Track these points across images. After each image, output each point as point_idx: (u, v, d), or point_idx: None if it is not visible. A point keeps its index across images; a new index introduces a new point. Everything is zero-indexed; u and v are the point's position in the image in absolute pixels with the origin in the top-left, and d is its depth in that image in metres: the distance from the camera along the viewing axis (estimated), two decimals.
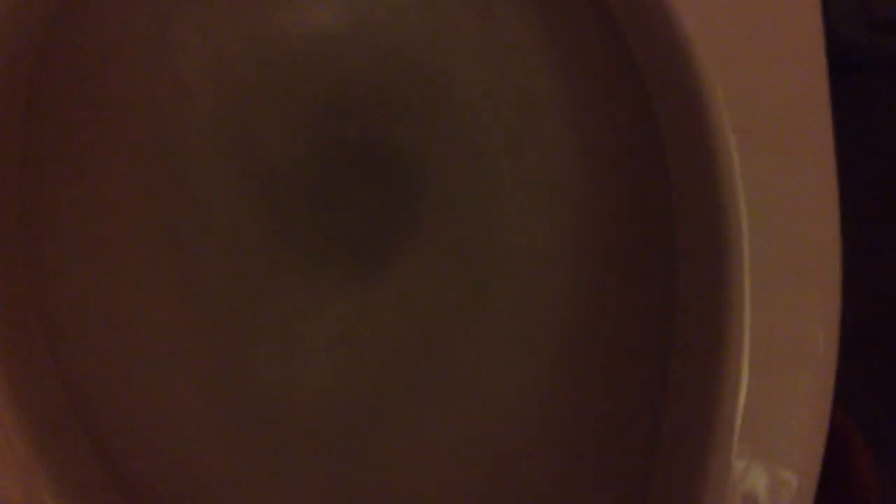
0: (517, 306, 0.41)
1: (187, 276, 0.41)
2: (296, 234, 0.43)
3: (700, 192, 0.31)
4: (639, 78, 0.35)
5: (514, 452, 0.40)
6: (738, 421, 0.30)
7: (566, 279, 0.40)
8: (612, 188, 0.39)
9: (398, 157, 0.43)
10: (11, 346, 0.33)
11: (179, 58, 0.40)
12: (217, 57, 0.41)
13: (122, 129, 0.39)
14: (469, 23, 0.41)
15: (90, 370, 0.37)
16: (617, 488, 0.36)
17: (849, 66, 0.61)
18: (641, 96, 0.35)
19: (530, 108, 0.41)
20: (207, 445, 0.40)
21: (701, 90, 0.31)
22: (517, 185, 0.41)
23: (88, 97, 0.38)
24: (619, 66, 0.37)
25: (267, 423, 0.41)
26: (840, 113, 0.33)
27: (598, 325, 0.39)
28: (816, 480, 0.30)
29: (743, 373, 0.30)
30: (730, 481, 0.30)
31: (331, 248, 0.43)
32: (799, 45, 0.31)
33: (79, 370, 0.36)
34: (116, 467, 0.35)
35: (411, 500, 0.40)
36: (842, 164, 0.31)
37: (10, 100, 0.34)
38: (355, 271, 0.43)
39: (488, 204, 0.42)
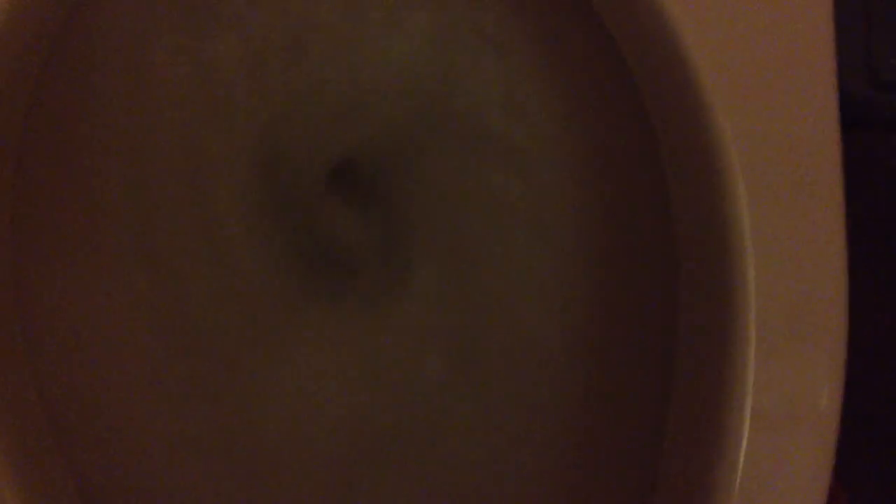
0: (514, 357, 0.40)
1: (176, 298, 0.40)
2: (288, 260, 0.42)
3: (707, 242, 0.31)
4: (648, 123, 0.34)
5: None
6: (738, 477, 0.29)
7: (564, 327, 0.39)
8: (614, 237, 0.39)
9: (395, 192, 0.43)
10: None
11: (174, 69, 0.40)
12: (214, 69, 0.40)
13: (120, 146, 0.39)
14: (472, 61, 0.41)
15: (70, 388, 0.36)
16: None
17: (852, 122, 0.61)
18: (650, 144, 0.35)
19: (534, 159, 0.40)
20: (187, 469, 0.39)
21: (712, 139, 0.30)
22: (517, 234, 0.41)
23: (87, 108, 0.37)
24: (627, 109, 0.36)
25: (250, 446, 0.40)
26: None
27: (596, 378, 0.38)
28: None
29: (744, 428, 0.29)
30: None
31: (321, 278, 0.43)
32: (812, 94, 0.31)
33: (58, 388, 0.35)
34: (90, 488, 0.34)
35: None
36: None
37: (11, 104, 0.33)
38: (343, 307, 0.42)
39: (485, 255, 0.41)
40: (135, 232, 0.39)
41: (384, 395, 0.41)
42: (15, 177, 0.34)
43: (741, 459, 0.29)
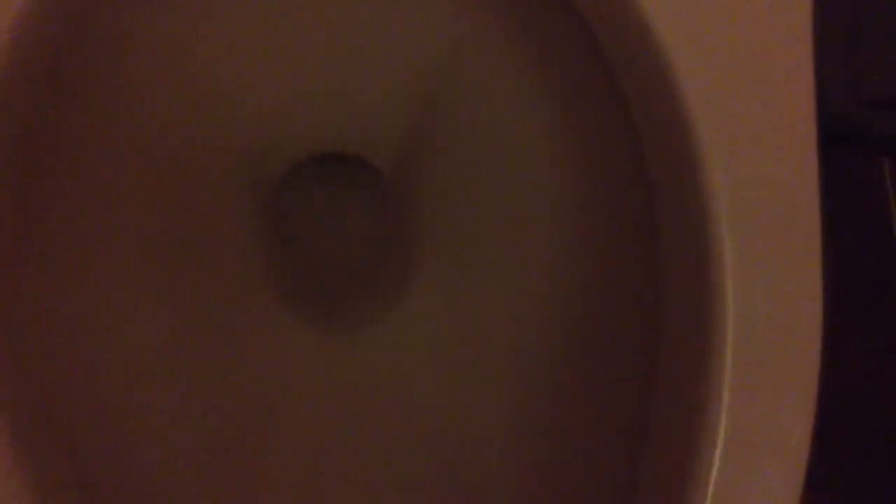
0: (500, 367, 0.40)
1: (177, 290, 0.40)
2: (293, 256, 0.42)
3: (689, 271, 0.31)
4: (637, 145, 0.34)
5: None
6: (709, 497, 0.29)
7: (545, 352, 0.39)
8: (600, 269, 0.38)
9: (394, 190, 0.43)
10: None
11: (185, 67, 0.39)
12: (226, 68, 0.40)
13: (126, 138, 0.38)
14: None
15: (70, 377, 0.35)
16: None
17: (834, 137, 0.61)
18: (637, 160, 0.34)
19: (527, 183, 0.40)
20: (183, 458, 0.39)
21: (699, 165, 0.30)
22: (507, 263, 0.40)
23: (94, 101, 0.37)
24: (617, 129, 0.36)
25: (247, 441, 0.40)
26: (823, 182, 0.32)
27: (569, 409, 0.38)
28: None
29: (715, 461, 0.29)
30: None
31: (326, 282, 0.43)
32: (793, 125, 0.31)
33: (59, 376, 0.34)
34: (90, 478, 0.34)
35: None
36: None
37: (20, 99, 0.32)
38: (338, 316, 0.42)
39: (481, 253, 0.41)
40: (137, 226, 0.38)
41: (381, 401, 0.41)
42: (20, 174, 0.33)
43: (710, 492, 0.29)
